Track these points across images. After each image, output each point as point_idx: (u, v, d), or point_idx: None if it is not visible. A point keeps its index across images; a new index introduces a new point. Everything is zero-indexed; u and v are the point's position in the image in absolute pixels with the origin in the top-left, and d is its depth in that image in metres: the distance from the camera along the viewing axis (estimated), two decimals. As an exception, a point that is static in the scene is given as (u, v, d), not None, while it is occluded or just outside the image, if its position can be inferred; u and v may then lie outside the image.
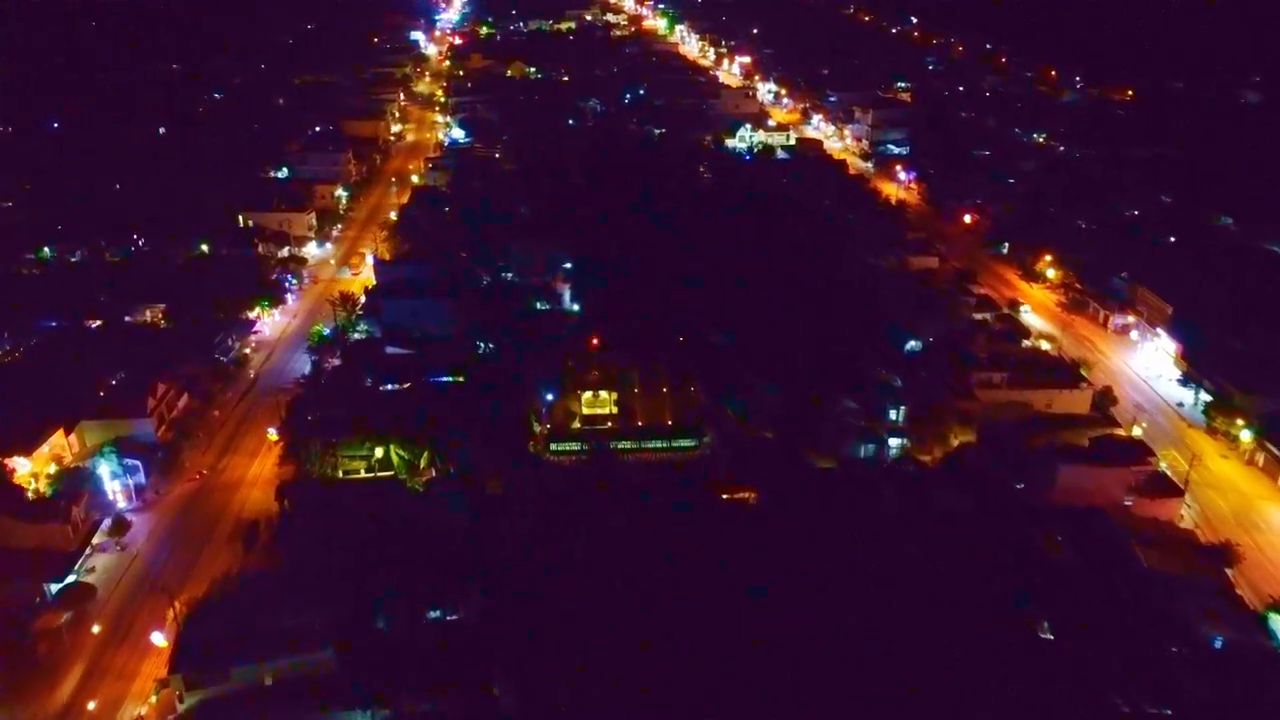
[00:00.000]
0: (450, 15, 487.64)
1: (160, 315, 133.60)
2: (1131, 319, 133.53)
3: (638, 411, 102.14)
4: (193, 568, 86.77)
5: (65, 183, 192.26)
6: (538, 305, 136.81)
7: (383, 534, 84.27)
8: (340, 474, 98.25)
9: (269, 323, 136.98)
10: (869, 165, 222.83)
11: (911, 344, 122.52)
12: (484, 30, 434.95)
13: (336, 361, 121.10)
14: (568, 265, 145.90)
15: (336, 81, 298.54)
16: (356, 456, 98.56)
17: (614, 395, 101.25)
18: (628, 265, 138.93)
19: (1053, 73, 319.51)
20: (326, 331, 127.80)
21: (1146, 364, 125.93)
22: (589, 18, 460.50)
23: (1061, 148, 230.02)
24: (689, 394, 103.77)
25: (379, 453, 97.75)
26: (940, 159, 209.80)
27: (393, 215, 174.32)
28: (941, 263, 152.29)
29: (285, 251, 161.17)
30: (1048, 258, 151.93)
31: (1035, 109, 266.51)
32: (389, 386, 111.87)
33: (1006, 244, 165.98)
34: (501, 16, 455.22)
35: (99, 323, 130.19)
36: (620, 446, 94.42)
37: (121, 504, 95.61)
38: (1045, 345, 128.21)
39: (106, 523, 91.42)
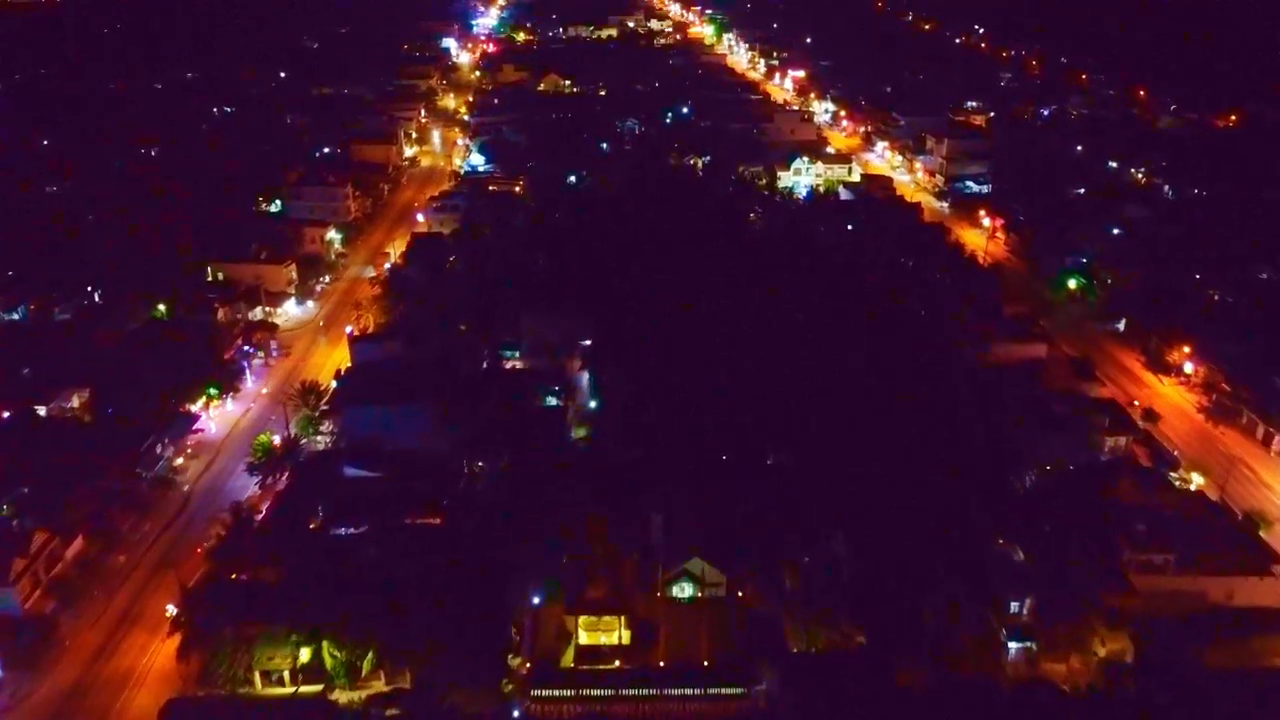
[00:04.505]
0: (488, 20, 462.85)
1: (84, 404, 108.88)
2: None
3: (661, 637, 72.78)
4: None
5: (33, 216, 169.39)
6: (549, 400, 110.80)
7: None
8: (258, 676, 72.34)
9: (217, 415, 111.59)
10: (944, 206, 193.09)
11: (1027, 479, 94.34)
12: (521, 36, 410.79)
13: (285, 482, 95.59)
14: (587, 342, 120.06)
15: (358, 94, 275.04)
16: (279, 654, 72.49)
17: (623, 619, 72.72)
18: (660, 346, 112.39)
19: (1142, 92, 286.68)
20: (277, 439, 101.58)
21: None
22: (632, 24, 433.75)
23: (1168, 187, 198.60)
24: (736, 601, 75.07)
25: (305, 655, 71.49)
26: (1029, 201, 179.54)
27: (387, 267, 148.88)
28: (1051, 348, 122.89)
29: (257, 313, 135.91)
30: (1186, 348, 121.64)
31: (1130, 137, 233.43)
32: (342, 530, 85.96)
33: (1124, 320, 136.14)
34: (541, 21, 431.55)
35: (7, 414, 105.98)
36: (633, 694, 66.37)
37: (-43, 719, 70.69)
38: (1197, 479, 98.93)
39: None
